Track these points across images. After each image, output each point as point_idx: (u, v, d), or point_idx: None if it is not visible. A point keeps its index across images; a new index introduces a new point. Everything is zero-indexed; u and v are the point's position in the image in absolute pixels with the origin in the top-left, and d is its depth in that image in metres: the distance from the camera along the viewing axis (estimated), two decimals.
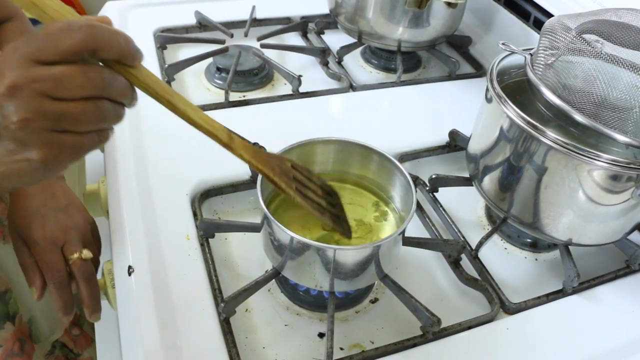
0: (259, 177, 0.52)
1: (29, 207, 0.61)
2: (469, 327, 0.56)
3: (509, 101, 0.57)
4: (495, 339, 0.55)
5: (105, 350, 0.72)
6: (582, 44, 0.53)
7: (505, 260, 0.66)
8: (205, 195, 0.67)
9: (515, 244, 0.68)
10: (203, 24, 1.02)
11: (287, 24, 1.05)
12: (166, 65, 0.87)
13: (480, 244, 0.63)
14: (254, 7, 1.05)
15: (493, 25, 1.04)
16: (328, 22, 1.03)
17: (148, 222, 0.62)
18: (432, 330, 0.54)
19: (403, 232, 0.52)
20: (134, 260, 0.58)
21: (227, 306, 0.54)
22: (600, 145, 0.52)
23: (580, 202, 0.56)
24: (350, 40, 0.97)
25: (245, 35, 1.00)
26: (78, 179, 0.92)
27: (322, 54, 0.95)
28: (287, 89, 0.90)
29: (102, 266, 0.65)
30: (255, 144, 0.51)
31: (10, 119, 0.33)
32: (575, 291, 0.60)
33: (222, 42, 0.95)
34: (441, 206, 0.69)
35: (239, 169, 0.69)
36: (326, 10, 1.02)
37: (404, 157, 0.75)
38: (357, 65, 0.99)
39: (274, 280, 0.59)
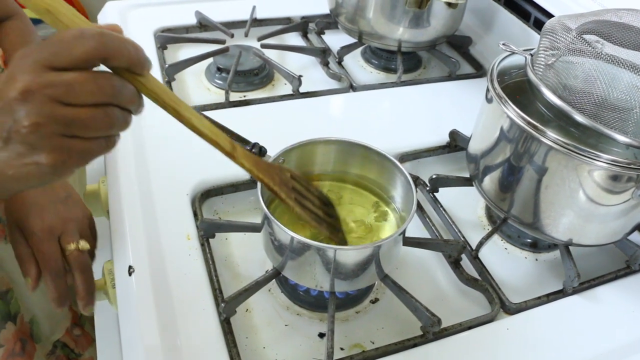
0: None
1: (27, 198, 0.61)
2: (469, 327, 0.56)
3: (509, 101, 0.57)
4: (496, 339, 0.55)
5: (105, 350, 0.72)
6: (583, 44, 0.53)
7: (505, 261, 0.66)
8: (205, 195, 0.67)
9: (515, 244, 0.68)
10: (203, 24, 1.02)
11: (288, 24, 1.05)
12: (166, 65, 0.87)
13: (481, 244, 0.63)
14: (254, 7, 1.05)
15: (493, 26, 1.04)
16: (328, 22, 1.03)
17: (148, 222, 0.62)
18: (433, 330, 0.54)
19: (403, 232, 0.52)
20: (135, 260, 0.58)
21: (227, 306, 0.54)
22: (601, 146, 0.52)
23: (580, 203, 0.56)
24: (351, 40, 0.97)
25: (246, 35, 1.00)
26: (78, 179, 0.92)
27: (323, 54, 0.95)
28: (287, 89, 0.90)
29: (102, 266, 0.65)
30: (256, 144, 0.52)
31: (22, 122, 0.33)
32: (575, 291, 0.60)
33: (222, 42, 0.95)
34: (441, 206, 0.69)
35: (239, 169, 0.67)
36: (326, 11, 1.02)
37: (405, 157, 0.75)
38: (357, 66, 0.99)
39: (274, 280, 0.59)
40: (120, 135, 0.38)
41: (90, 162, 0.37)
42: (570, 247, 0.62)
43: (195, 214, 0.65)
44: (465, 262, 0.63)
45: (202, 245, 0.61)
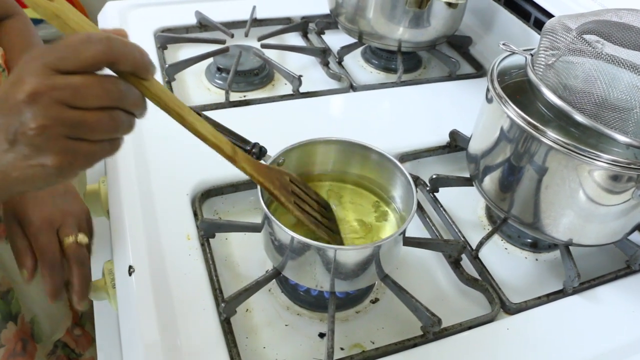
0: None
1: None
2: (470, 327, 0.56)
3: (509, 101, 0.57)
4: (496, 339, 0.55)
5: (105, 349, 0.71)
6: (583, 44, 0.53)
7: (505, 261, 0.66)
8: (205, 195, 0.67)
9: (515, 244, 0.68)
10: (203, 24, 1.02)
11: (288, 24, 1.05)
12: (167, 65, 0.87)
13: (481, 244, 0.63)
14: (254, 7, 1.05)
15: (493, 26, 1.04)
16: (328, 22, 1.03)
17: (148, 222, 0.62)
18: (433, 330, 0.54)
19: (404, 232, 0.52)
20: (135, 260, 0.58)
21: (227, 306, 0.54)
22: (601, 146, 0.52)
23: (580, 203, 0.56)
24: (351, 40, 0.97)
25: (246, 35, 1.00)
26: (78, 178, 0.92)
27: (323, 54, 0.95)
28: (287, 89, 0.90)
29: (102, 266, 0.65)
30: (256, 144, 0.52)
31: (29, 125, 0.34)
32: (575, 291, 0.60)
33: (222, 42, 0.95)
34: (441, 206, 0.69)
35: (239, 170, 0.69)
36: (326, 11, 1.02)
37: (405, 157, 0.75)
38: (357, 66, 0.99)
39: (274, 280, 0.59)
40: (124, 138, 0.39)
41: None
42: (571, 247, 0.62)
43: (195, 214, 0.65)
44: (466, 262, 0.63)
45: (202, 245, 0.61)
